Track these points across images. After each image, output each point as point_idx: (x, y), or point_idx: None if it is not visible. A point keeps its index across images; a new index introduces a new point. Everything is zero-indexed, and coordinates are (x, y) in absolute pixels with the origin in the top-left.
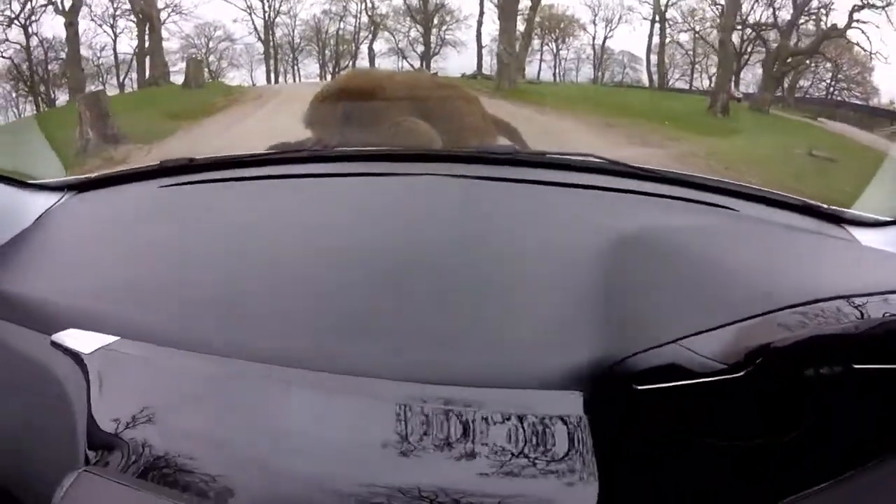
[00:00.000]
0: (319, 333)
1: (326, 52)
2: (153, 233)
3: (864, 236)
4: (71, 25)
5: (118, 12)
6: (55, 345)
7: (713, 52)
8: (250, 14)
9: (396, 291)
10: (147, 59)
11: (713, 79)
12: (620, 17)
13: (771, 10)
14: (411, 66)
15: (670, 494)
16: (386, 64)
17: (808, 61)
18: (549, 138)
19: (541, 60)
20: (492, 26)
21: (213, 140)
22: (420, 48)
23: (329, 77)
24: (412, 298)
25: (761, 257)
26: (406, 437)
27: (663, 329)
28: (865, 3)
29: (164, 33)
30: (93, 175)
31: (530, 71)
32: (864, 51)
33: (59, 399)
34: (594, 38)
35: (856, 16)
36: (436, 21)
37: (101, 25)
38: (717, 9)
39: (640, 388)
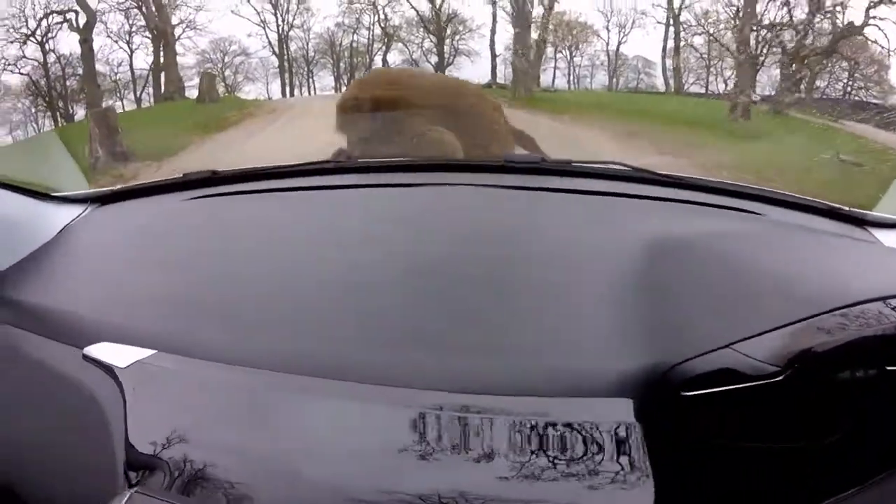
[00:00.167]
0: (356, 345)
1: (341, 64)
2: (181, 245)
3: (887, 237)
4: (85, 42)
5: (134, 28)
6: (87, 358)
7: (728, 55)
8: (264, 28)
9: (439, 302)
10: (162, 75)
11: (728, 82)
12: (634, 22)
13: (786, 9)
14: None
15: (717, 499)
16: None
17: (824, 61)
18: (570, 149)
19: (555, 68)
20: (505, 35)
21: (224, 155)
22: (434, 58)
23: (343, 89)
24: (454, 309)
25: (793, 261)
26: (452, 448)
27: (712, 334)
28: None
29: (180, 49)
30: (115, 187)
31: (544, 79)
32: (882, 48)
33: (94, 413)
34: (608, 44)
35: (872, 12)
36: (449, 31)
37: (117, 42)
38: (731, 10)
39: (688, 394)
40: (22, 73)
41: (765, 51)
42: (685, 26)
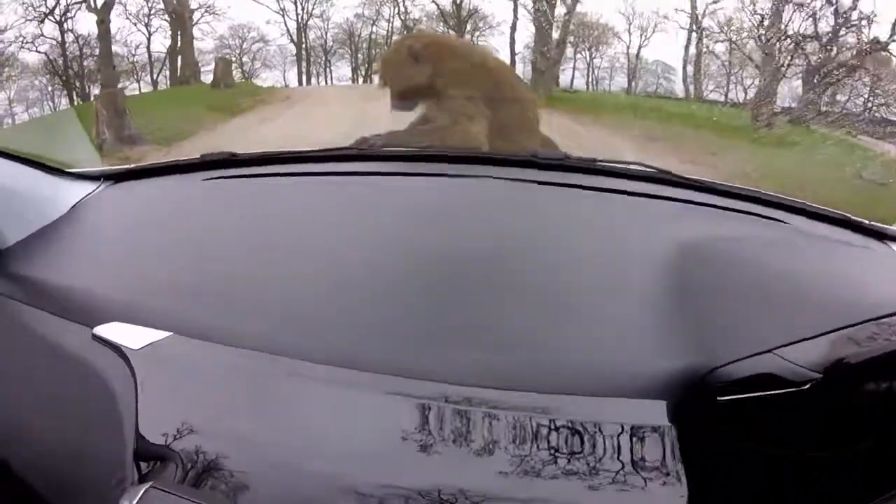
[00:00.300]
0: (374, 335)
1: (359, 55)
2: (198, 226)
3: None
4: (102, 23)
5: (152, 11)
6: (97, 338)
7: (749, 64)
8: (283, 16)
9: (462, 296)
10: (179, 58)
11: (748, 91)
12: (656, 26)
13: (811, 21)
14: None
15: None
16: None
17: (847, 75)
18: (591, 153)
19: (574, 69)
20: (525, 33)
21: (236, 141)
22: None
23: (361, 80)
24: (479, 303)
25: (822, 271)
26: (486, 444)
27: (749, 339)
28: None
29: (198, 33)
30: (130, 166)
31: (563, 79)
32: None
33: (103, 395)
34: (629, 47)
35: None
36: (469, 27)
37: (135, 24)
38: (756, 19)
39: (725, 398)
40: (39, 52)
41: (787, 61)
42: (707, 33)
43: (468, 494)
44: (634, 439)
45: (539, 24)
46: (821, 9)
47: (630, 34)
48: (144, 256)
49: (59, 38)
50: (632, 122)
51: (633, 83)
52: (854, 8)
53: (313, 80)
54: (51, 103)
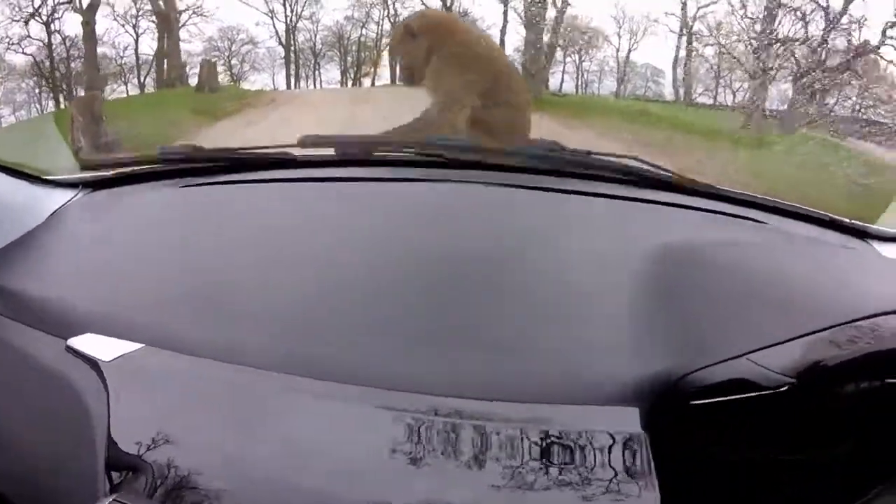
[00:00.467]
0: (352, 346)
1: (348, 58)
2: (174, 235)
3: (889, 250)
4: (87, 24)
5: (140, 12)
6: (70, 350)
7: (738, 67)
8: (272, 18)
9: (439, 304)
10: (166, 61)
11: (737, 94)
12: (645, 30)
13: (801, 24)
14: None
15: None
16: None
17: (838, 78)
18: None
19: (563, 72)
20: (515, 37)
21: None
22: None
23: (350, 83)
24: (455, 311)
25: (801, 272)
26: (451, 455)
27: (724, 344)
28: None
29: (186, 35)
30: (108, 173)
31: (552, 82)
32: None
33: (76, 408)
34: (618, 50)
35: (889, 32)
36: None
37: (123, 25)
38: (746, 22)
39: (698, 403)
40: (26, 54)
41: (776, 65)
42: (697, 36)
43: None
44: (608, 446)
45: (529, 28)
46: (811, 13)
47: (620, 38)
48: (121, 266)
49: (46, 40)
50: (624, 126)
51: (623, 86)
52: (844, 12)
53: (302, 83)
54: (38, 106)
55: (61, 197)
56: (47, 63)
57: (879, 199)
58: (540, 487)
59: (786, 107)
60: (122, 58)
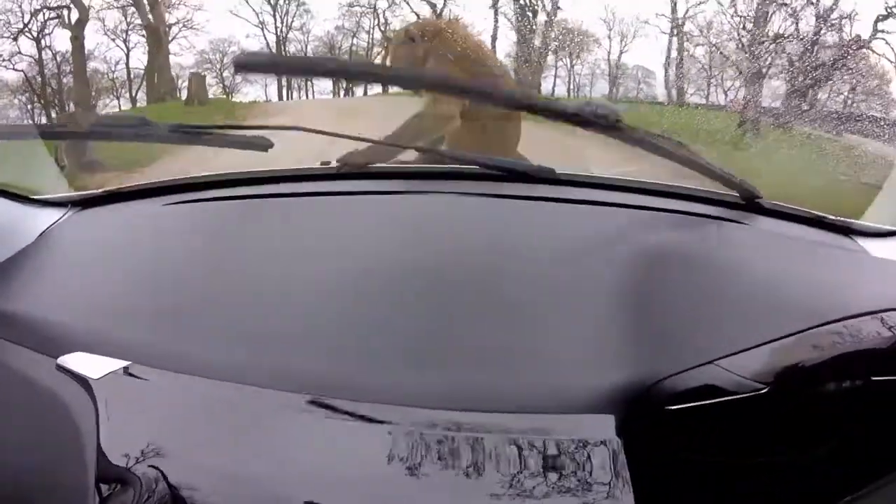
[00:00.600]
0: (342, 360)
1: None
2: (163, 253)
3: (873, 247)
4: (76, 39)
5: (130, 26)
6: (61, 368)
7: (729, 66)
8: (262, 30)
9: (414, 318)
10: (156, 75)
11: (728, 93)
12: (636, 32)
13: (792, 21)
14: None
15: None
16: None
17: (830, 74)
18: (575, 162)
19: (555, 76)
20: (506, 42)
21: (204, 163)
22: None
23: (342, 94)
24: (428, 325)
25: (780, 273)
26: (432, 467)
27: (697, 349)
28: (890, 11)
29: (177, 48)
30: (97, 191)
31: (544, 87)
32: (891, 62)
33: (66, 426)
34: (609, 53)
35: (880, 25)
36: None
37: (114, 39)
38: (736, 21)
39: (673, 408)
40: (17, 70)
41: (768, 62)
42: (688, 36)
43: None
44: (585, 454)
45: (520, 33)
46: (802, 9)
47: (610, 40)
48: (110, 285)
49: (37, 56)
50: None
51: (615, 89)
52: (834, 7)
53: (294, 94)
54: (31, 122)
55: (51, 216)
56: (38, 79)
57: (868, 195)
58: (516, 496)
59: (778, 104)
60: (113, 72)
